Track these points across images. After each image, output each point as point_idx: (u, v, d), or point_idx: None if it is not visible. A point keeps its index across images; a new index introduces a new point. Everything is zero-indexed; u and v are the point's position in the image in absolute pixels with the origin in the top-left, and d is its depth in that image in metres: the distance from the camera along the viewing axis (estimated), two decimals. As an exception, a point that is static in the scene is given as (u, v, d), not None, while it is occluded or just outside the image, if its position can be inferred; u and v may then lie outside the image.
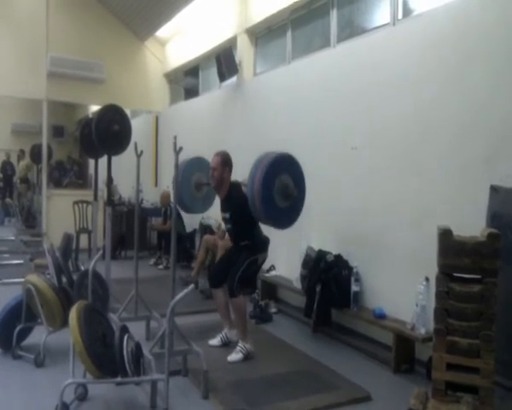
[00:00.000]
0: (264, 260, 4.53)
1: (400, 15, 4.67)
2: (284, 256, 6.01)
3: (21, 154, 14.19)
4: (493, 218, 3.45)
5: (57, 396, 3.07)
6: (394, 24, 4.69)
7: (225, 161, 4.38)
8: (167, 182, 8.81)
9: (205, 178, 4.36)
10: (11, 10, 8.90)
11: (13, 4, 8.96)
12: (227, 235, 4.98)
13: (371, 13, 5.21)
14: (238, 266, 4.21)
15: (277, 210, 3.73)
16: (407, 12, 4.65)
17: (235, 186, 4.39)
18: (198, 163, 4.42)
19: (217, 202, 4.61)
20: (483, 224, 3.43)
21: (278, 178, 3.71)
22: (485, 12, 3.75)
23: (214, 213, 6.66)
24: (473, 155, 3.77)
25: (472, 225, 3.39)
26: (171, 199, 5.31)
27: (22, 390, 3.60)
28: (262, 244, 4.42)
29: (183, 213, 8.07)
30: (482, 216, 3.51)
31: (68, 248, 4.73)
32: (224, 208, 4.47)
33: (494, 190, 3.49)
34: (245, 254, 4.27)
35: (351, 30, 5.38)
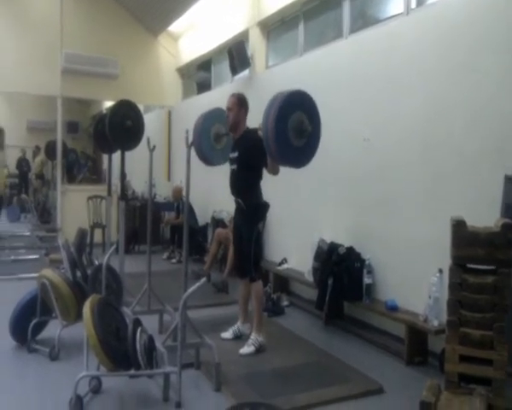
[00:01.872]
0: (263, 226, 4.50)
1: (414, 4, 4.61)
2: (296, 249, 6.01)
3: (37, 150, 14.35)
4: (508, 208, 3.40)
5: (71, 389, 3.11)
6: (408, 13, 4.63)
7: (241, 102, 4.34)
8: (180, 176, 8.84)
9: (224, 128, 4.22)
10: (26, 8, 8.98)
11: (27, 2, 9.05)
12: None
13: (384, 2, 5.16)
14: (248, 251, 4.22)
15: (292, 148, 3.57)
16: (421, 1, 4.59)
17: (251, 130, 4.32)
18: (218, 114, 4.27)
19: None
20: (497, 214, 3.39)
21: (292, 115, 3.55)
22: (499, 0, 3.68)
23: (226, 206, 6.69)
24: (486, 145, 3.72)
25: (486, 215, 3.35)
26: (183, 193, 5.32)
27: (37, 383, 3.65)
28: (261, 208, 4.35)
29: (195, 207, 8.12)
30: (497, 207, 3.47)
31: (82, 242, 4.78)
32: (234, 148, 4.34)
33: (508, 179, 3.44)
34: (248, 228, 4.23)
35: (363, 21, 5.33)
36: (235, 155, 4.32)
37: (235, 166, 4.36)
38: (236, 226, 4.46)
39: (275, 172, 4.12)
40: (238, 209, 4.39)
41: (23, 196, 13.91)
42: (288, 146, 3.53)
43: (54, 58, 9.01)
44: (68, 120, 12.70)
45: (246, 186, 4.31)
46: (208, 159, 4.11)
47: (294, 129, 3.53)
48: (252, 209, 4.28)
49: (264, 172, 4.30)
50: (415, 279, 4.27)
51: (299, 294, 5.97)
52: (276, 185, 5.17)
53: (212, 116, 4.16)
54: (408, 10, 4.64)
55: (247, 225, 4.27)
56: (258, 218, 4.36)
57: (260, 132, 3.95)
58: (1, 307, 4.69)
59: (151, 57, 10.00)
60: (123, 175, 5.65)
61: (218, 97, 8.36)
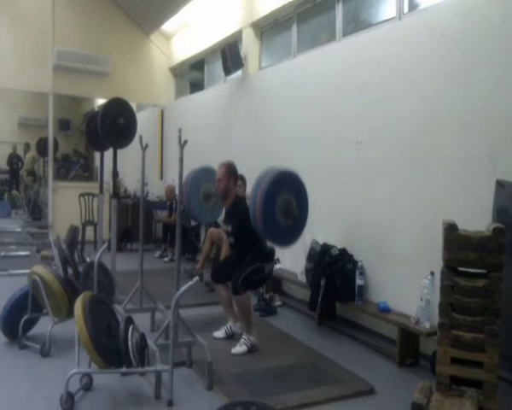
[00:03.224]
0: (271, 271, 4.48)
1: (406, 9, 4.64)
2: (289, 250, 5.99)
3: (27, 147, 14.25)
4: (499, 212, 3.44)
5: (63, 386, 3.11)
6: (400, 18, 4.67)
7: (230, 172, 4.37)
8: (172, 175, 8.84)
9: (213, 188, 4.36)
10: (17, 4, 8.95)
11: (19, -1, 9.00)
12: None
13: (377, 7, 5.18)
14: (243, 268, 4.16)
15: (278, 228, 3.66)
16: (413, 6, 4.62)
17: (240, 200, 4.42)
18: (206, 173, 4.42)
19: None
20: (489, 219, 3.42)
21: (280, 195, 3.64)
22: (491, 6, 3.72)
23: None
24: (478, 150, 3.75)
25: (478, 219, 3.38)
26: (176, 192, 5.32)
27: (28, 380, 3.63)
28: (267, 255, 4.36)
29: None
30: (488, 211, 3.50)
31: (74, 240, 4.76)
32: (226, 220, 4.47)
33: (500, 184, 3.47)
34: (250, 260, 4.21)
35: (356, 24, 5.36)
36: (229, 229, 4.41)
37: (232, 239, 4.44)
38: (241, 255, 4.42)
39: None
40: None
41: (14, 192, 13.83)
42: (275, 225, 3.66)
43: (45, 55, 8.97)
44: (60, 117, 12.62)
45: (248, 247, 4.26)
46: (198, 217, 4.21)
47: (282, 209, 3.66)
48: (256, 254, 4.26)
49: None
50: (407, 281, 4.29)
51: (292, 294, 5.99)
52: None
53: (200, 176, 4.26)
54: (400, 15, 4.68)
55: (251, 258, 4.22)
56: (264, 259, 4.30)
57: (249, 201, 4.01)
58: (-9, 303, 4.65)
59: (143, 56, 9.99)
60: (115, 173, 5.64)
61: (211, 97, 8.42)
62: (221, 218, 6.96)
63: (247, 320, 4.30)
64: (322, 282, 4.80)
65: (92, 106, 13.29)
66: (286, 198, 3.68)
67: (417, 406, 2.70)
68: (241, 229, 4.24)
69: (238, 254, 4.37)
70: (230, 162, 4.47)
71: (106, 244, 4.68)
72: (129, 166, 9.30)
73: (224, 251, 5.72)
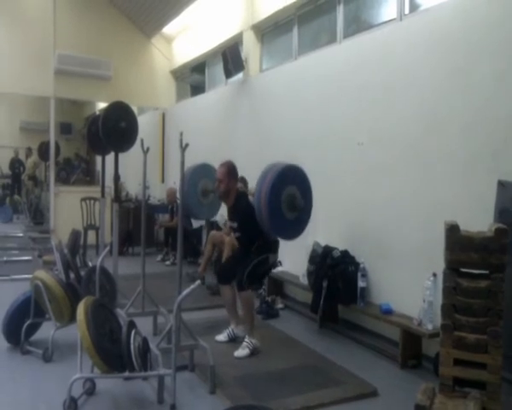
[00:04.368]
0: (275, 261, 4.52)
1: (407, 10, 4.64)
2: (291, 252, 5.99)
3: (29, 151, 14.29)
4: (501, 213, 3.43)
5: (65, 391, 3.10)
6: (401, 19, 4.67)
7: (231, 172, 4.39)
8: (174, 178, 8.85)
9: (211, 184, 4.36)
10: (19, 8, 8.97)
11: (21, 2, 9.03)
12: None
13: (378, 8, 5.18)
14: (248, 263, 4.21)
15: (284, 221, 3.70)
16: (414, 7, 4.62)
17: (242, 196, 4.42)
18: (204, 170, 4.43)
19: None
20: (491, 219, 3.41)
21: (285, 189, 3.69)
22: (492, 7, 3.72)
23: (220, 210, 6.69)
24: (480, 150, 3.75)
25: (480, 220, 3.37)
26: (178, 195, 5.32)
27: (31, 385, 3.63)
28: (272, 245, 4.41)
29: (189, 210, 8.11)
30: (490, 211, 3.49)
31: (76, 244, 4.78)
32: (231, 217, 4.49)
33: (501, 185, 3.47)
34: (255, 253, 4.26)
35: (357, 25, 5.36)
36: (235, 225, 4.42)
37: (238, 234, 4.46)
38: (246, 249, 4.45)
39: None
40: None
41: (16, 196, 13.85)
42: (281, 218, 3.68)
43: (47, 59, 9.00)
44: (61, 121, 12.65)
45: (253, 239, 4.29)
46: (196, 213, 4.20)
47: (287, 203, 3.69)
48: (261, 246, 4.29)
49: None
50: (409, 283, 4.28)
51: (294, 297, 5.98)
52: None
53: (199, 172, 4.25)
54: (401, 16, 4.68)
55: (256, 251, 4.26)
56: (269, 250, 4.36)
57: (251, 198, 4.02)
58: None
59: (145, 59, 10.00)
60: (116, 177, 5.64)
61: (212, 100, 8.42)
62: (220, 218, 7.03)
63: (251, 320, 4.30)
64: (324, 284, 4.79)
65: (93, 110, 13.33)
66: (291, 191, 3.70)
67: (420, 407, 2.69)
68: (247, 223, 4.26)
69: (244, 247, 4.38)
70: (230, 162, 4.47)
71: (108, 248, 4.68)
72: (130, 169, 9.29)
73: (226, 253, 5.72)
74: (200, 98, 9.08)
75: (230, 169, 4.40)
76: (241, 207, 4.37)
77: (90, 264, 5.00)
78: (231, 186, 4.38)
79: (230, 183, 4.37)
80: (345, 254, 4.90)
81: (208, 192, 4.33)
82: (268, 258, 4.34)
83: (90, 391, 3.43)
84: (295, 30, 6.37)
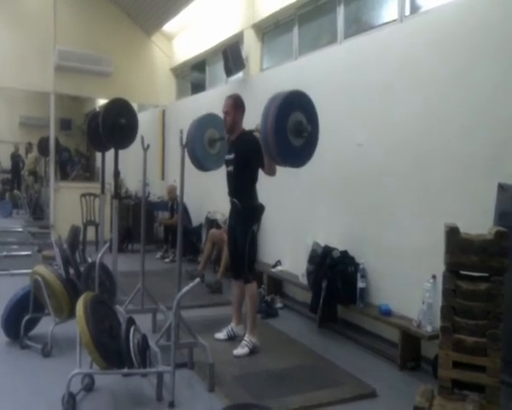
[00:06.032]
0: (259, 227, 4.47)
1: (408, 12, 4.64)
2: (290, 252, 6.02)
3: (29, 146, 14.25)
4: (501, 216, 3.43)
5: (64, 386, 3.10)
6: (402, 20, 4.67)
7: (238, 104, 4.38)
8: (174, 176, 8.83)
9: (218, 134, 4.18)
10: (20, 4, 8.94)
11: (22, -2, 9.01)
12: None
13: (378, 9, 5.18)
14: (242, 251, 4.22)
15: (291, 148, 3.57)
16: (414, 8, 4.62)
17: (248, 132, 4.33)
18: (211, 119, 4.24)
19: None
20: (490, 221, 3.42)
21: (291, 115, 3.57)
22: (492, 9, 3.72)
23: (221, 207, 6.69)
24: (480, 153, 3.75)
25: (480, 222, 3.38)
26: (178, 193, 5.31)
27: (29, 380, 3.63)
28: (257, 210, 4.41)
29: (189, 208, 8.11)
30: (490, 214, 3.49)
31: (76, 240, 4.77)
32: (230, 150, 4.33)
33: (501, 187, 3.47)
34: (243, 229, 4.24)
35: (358, 26, 5.36)
36: (232, 156, 4.31)
37: (231, 168, 4.36)
38: (231, 227, 4.46)
39: (271, 172, 4.15)
40: (234, 210, 4.39)
41: (15, 191, 13.83)
42: (287, 145, 3.52)
43: (47, 54, 8.98)
44: (61, 116, 12.61)
45: (242, 187, 4.32)
46: (202, 164, 4.10)
47: (293, 128, 3.53)
48: (247, 210, 4.29)
49: (260, 175, 4.31)
50: (408, 285, 4.28)
51: (293, 296, 5.98)
52: (271, 188, 5.18)
53: (206, 121, 4.17)
54: (402, 18, 4.68)
55: (242, 225, 4.28)
56: (254, 219, 4.37)
57: (257, 134, 3.96)
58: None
59: (145, 56, 9.99)
60: (116, 173, 5.63)
61: (212, 98, 8.40)
62: (220, 217, 7.03)
63: (254, 316, 4.32)
64: (324, 284, 4.80)
65: (93, 106, 13.29)
66: (297, 117, 3.60)
67: (419, 409, 2.69)
68: (245, 159, 4.25)
69: (231, 208, 4.38)
70: (237, 94, 4.46)
71: (107, 245, 4.68)
72: (130, 166, 9.29)
73: (226, 252, 5.72)
74: (200, 96, 9.07)
75: (237, 101, 4.39)
76: (243, 140, 4.32)
77: (90, 260, 4.99)
78: (238, 119, 4.37)
79: (237, 115, 4.35)
80: (344, 254, 4.91)
81: (215, 141, 4.13)
82: (254, 230, 4.33)
83: (89, 387, 3.43)
84: (296, 30, 6.36)
